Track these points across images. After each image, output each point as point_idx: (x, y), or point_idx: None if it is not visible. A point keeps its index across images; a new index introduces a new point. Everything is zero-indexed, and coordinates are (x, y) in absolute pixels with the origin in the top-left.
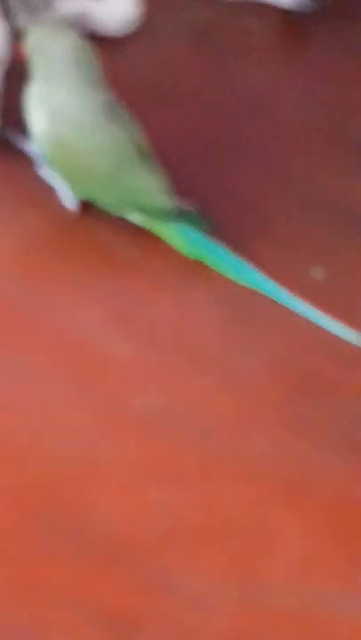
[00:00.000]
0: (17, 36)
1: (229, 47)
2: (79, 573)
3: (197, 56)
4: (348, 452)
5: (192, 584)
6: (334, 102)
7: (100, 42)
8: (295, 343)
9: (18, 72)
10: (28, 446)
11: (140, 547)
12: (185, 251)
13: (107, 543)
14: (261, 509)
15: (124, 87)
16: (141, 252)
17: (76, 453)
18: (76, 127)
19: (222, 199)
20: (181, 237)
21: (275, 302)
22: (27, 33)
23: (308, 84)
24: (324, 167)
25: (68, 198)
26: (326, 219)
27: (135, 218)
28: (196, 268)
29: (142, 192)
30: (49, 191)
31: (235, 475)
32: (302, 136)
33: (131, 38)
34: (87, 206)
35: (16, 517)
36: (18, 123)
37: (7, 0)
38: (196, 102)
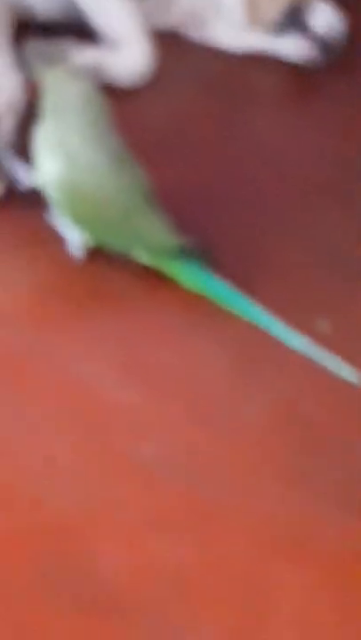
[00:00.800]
0: (33, 88)
1: (239, 100)
2: (78, 625)
3: (206, 108)
4: (349, 507)
5: (193, 638)
6: (342, 155)
7: (111, 92)
8: (299, 388)
9: (28, 113)
10: (29, 494)
11: (140, 599)
12: (191, 286)
13: (107, 595)
14: (263, 564)
15: (134, 136)
16: (148, 297)
17: (77, 502)
18: (91, 173)
19: (228, 249)
20: (187, 274)
21: (279, 343)
22: (42, 73)
23: (316, 138)
24: (329, 220)
25: (76, 244)
26: (333, 270)
27: (142, 257)
28: (202, 310)
29: (149, 233)
30: (56, 237)
31: (236, 528)
32: (308, 188)
33: (142, 89)
34: (94, 252)
35: (15, 567)
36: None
37: (23, 51)
38: (203, 153)
